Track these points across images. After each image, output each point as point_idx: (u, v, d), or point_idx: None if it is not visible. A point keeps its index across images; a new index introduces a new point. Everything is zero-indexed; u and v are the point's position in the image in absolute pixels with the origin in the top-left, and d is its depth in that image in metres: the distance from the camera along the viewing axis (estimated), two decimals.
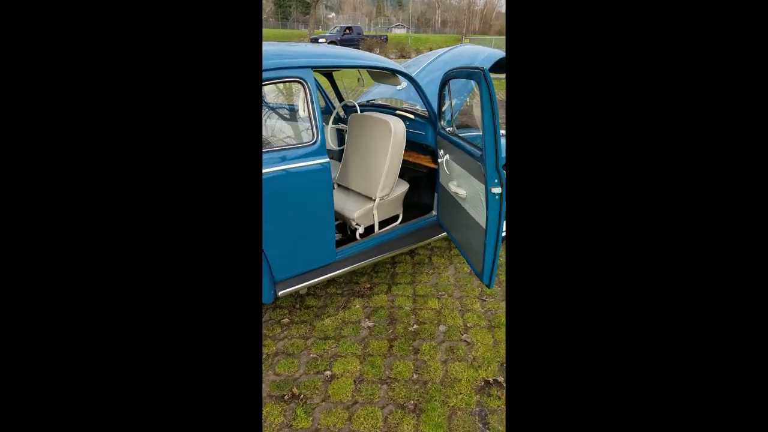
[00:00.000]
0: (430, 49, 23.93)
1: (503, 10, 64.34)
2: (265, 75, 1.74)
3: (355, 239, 2.35)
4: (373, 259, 2.30)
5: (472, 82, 2.53)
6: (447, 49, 3.34)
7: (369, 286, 2.47)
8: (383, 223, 2.50)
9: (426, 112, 2.59)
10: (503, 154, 2.14)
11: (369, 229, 2.45)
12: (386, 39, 25.15)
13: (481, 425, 1.56)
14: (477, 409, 1.63)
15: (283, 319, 2.17)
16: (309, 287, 2.10)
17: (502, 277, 2.52)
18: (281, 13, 46.60)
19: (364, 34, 25.81)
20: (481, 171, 1.81)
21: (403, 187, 2.58)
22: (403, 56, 20.06)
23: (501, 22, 59.13)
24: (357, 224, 2.37)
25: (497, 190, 1.73)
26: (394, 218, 2.59)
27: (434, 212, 2.68)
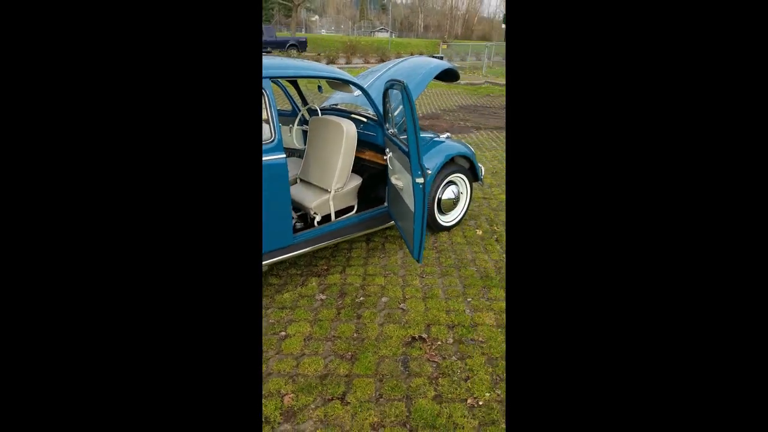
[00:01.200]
0: (411, 53, 24.27)
1: (485, 14, 65.46)
2: None
3: (313, 226, 2.71)
4: (328, 242, 2.66)
5: (414, 91, 2.92)
6: (401, 59, 3.72)
7: (326, 267, 2.84)
8: (339, 213, 2.87)
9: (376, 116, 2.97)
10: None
11: (327, 218, 2.81)
12: (304, 43, 21.16)
13: (402, 368, 1.93)
14: (401, 357, 2.01)
15: None
16: (270, 265, 2.45)
17: (442, 257, 2.91)
18: (264, 15, 46.65)
19: (277, 36, 21.24)
20: (409, 166, 2.20)
21: (357, 181, 2.95)
22: (382, 60, 20.51)
23: (483, 27, 60.19)
24: (315, 213, 2.73)
25: (420, 180, 2.11)
26: (350, 208, 2.96)
27: (386, 204, 3.05)
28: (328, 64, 17.61)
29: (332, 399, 1.76)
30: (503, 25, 23.96)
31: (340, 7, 77.71)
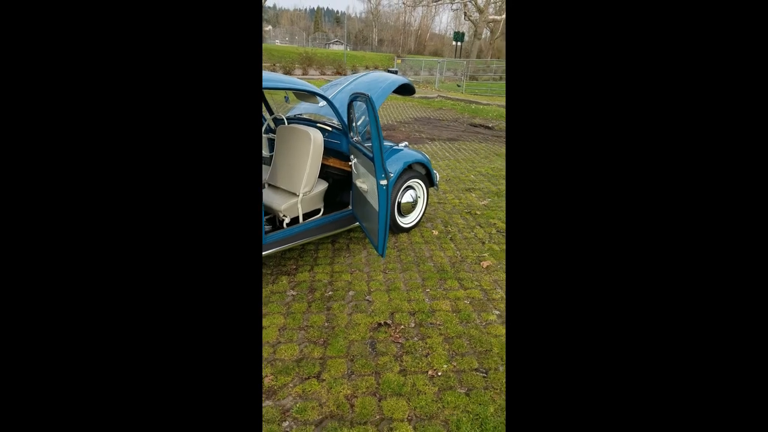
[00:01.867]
0: (366, 67, 24.69)
1: (436, 31, 67.81)
2: None
3: (282, 228, 2.89)
4: (297, 243, 2.85)
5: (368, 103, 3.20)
6: (362, 74, 4.00)
7: (294, 266, 3.02)
8: (306, 216, 3.07)
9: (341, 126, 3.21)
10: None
11: (295, 220, 3.00)
12: None
13: (370, 349, 2.16)
14: (369, 340, 2.23)
15: None
16: None
17: (402, 255, 3.18)
18: None
19: None
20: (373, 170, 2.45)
21: (323, 185, 3.17)
22: (338, 72, 20.83)
23: (434, 43, 62.30)
24: (284, 215, 2.91)
25: (383, 182, 2.37)
26: (316, 211, 3.16)
27: (350, 207, 3.29)
28: (284, 74, 17.65)
29: (308, 378, 1.95)
30: (454, 42, 25.10)
31: (294, 18, 77.62)
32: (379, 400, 1.83)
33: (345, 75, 20.27)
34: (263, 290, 2.68)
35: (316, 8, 79.51)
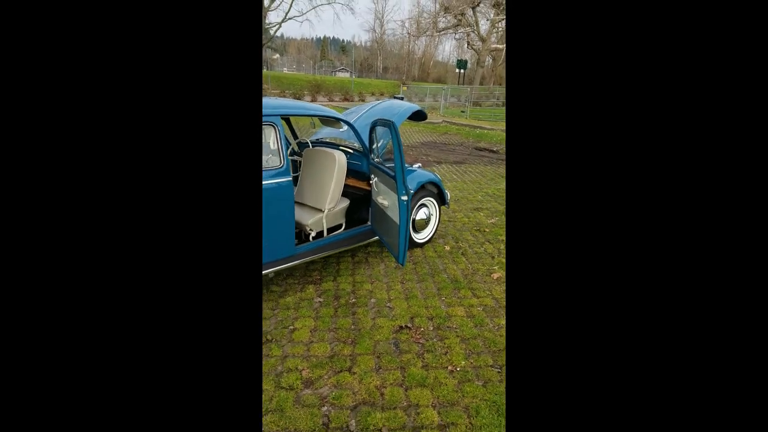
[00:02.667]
0: (372, 94, 25.37)
1: (440, 59, 69.62)
2: None
3: (309, 241, 3.15)
4: (322, 254, 3.11)
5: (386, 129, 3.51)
6: (377, 102, 4.34)
7: (319, 277, 3.26)
8: (330, 230, 3.33)
9: (362, 148, 3.52)
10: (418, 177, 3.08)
11: (320, 234, 3.26)
12: None
13: (394, 347, 2.38)
14: (393, 340, 2.46)
15: None
16: (275, 272, 2.85)
17: (418, 268, 3.42)
18: None
19: None
20: (396, 187, 2.73)
21: (345, 202, 3.44)
22: (346, 99, 21.52)
23: (438, 70, 63.90)
24: (310, 229, 3.18)
25: (404, 198, 2.64)
26: (339, 226, 3.43)
27: (369, 222, 3.55)
28: (302, 102, 18.27)
29: (341, 371, 2.17)
30: (457, 70, 25.89)
31: (301, 47, 79.92)
32: (406, 390, 2.05)
33: (352, 101, 20.94)
34: (293, 297, 2.92)
35: (322, 37, 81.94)
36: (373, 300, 2.93)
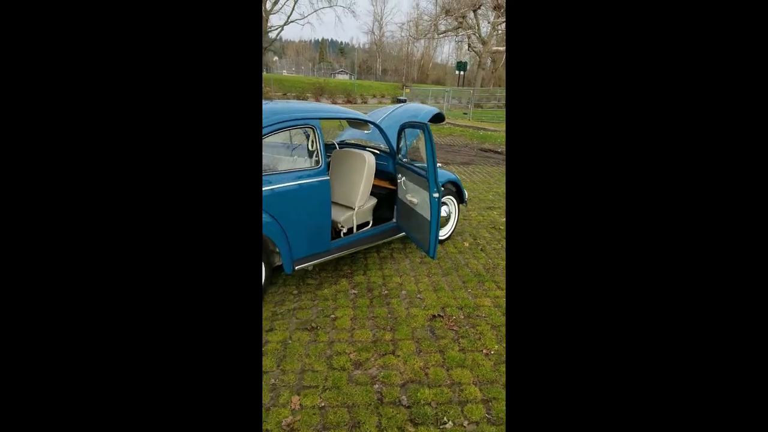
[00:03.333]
0: (374, 96, 25.51)
1: (438, 60, 69.92)
2: (294, 122, 2.78)
3: (340, 237, 3.34)
4: (354, 249, 3.29)
5: (417, 130, 3.71)
6: (398, 105, 4.53)
7: (350, 271, 3.45)
8: (359, 227, 3.52)
9: (387, 149, 3.71)
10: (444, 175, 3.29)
11: (350, 231, 3.45)
12: None
13: (431, 334, 2.57)
14: (428, 327, 2.65)
15: (293, 291, 3.08)
16: (313, 265, 3.04)
17: (441, 263, 3.61)
18: None
19: None
20: (427, 185, 2.92)
21: (373, 201, 3.63)
22: (349, 101, 21.72)
23: (437, 72, 64.17)
24: (341, 226, 3.37)
25: (435, 195, 2.84)
26: (366, 224, 3.62)
27: (394, 219, 3.74)
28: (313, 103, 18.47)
29: (385, 354, 2.36)
30: (457, 72, 26.14)
31: (300, 49, 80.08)
32: (447, 370, 2.24)
33: (355, 103, 21.14)
34: (329, 289, 3.11)
35: (320, 39, 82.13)
36: (404, 292, 3.12)
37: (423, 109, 4.22)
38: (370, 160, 3.43)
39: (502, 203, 5.66)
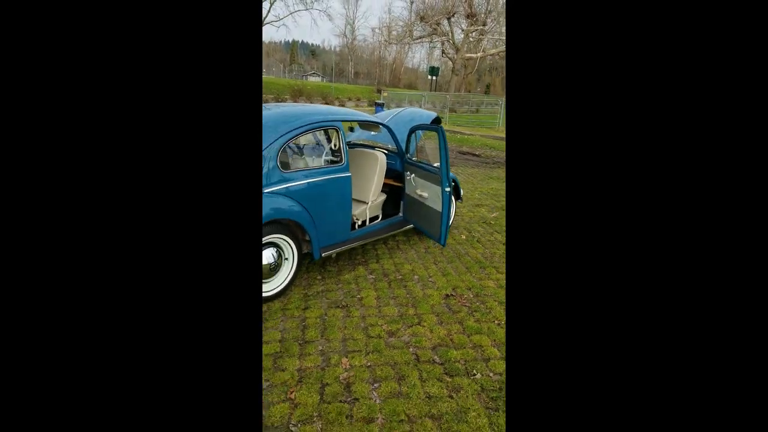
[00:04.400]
0: (349, 99, 25.68)
1: (410, 65, 70.91)
2: (323, 123, 3.11)
3: (355, 229, 3.67)
4: (368, 240, 3.64)
5: (420, 132, 4.09)
6: (401, 109, 4.91)
7: (364, 260, 3.78)
8: (371, 220, 3.86)
9: (394, 149, 4.07)
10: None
11: (363, 224, 3.79)
12: None
13: (447, 309, 2.95)
14: (444, 303, 3.03)
15: (317, 276, 3.39)
16: (336, 253, 3.36)
17: (445, 252, 4.00)
18: None
19: None
20: (438, 180, 3.30)
21: (383, 196, 3.99)
22: (326, 103, 21.93)
23: (408, 76, 65.11)
24: (356, 218, 3.70)
25: (447, 189, 3.22)
26: (376, 217, 3.97)
27: (400, 213, 4.11)
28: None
29: (412, 325, 2.72)
30: (429, 77, 26.84)
31: (270, 50, 79.16)
32: (468, 336, 2.62)
33: (332, 105, 21.39)
34: (348, 275, 3.44)
35: (291, 41, 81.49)
36: (416, 276, 3.48)
37: (423, 113, 4.62)
38: (382, 158, 3.78)
39: (489, 201, 6.13)
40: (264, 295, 2.90)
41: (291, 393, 2.05)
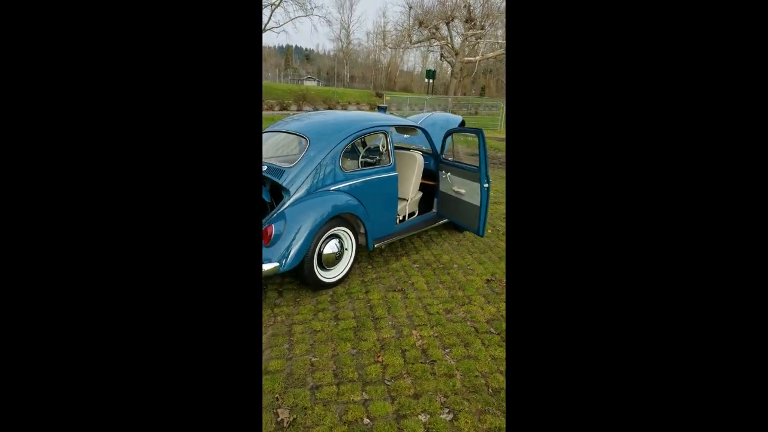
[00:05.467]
0: (349, 102, 25.99)
1: (405, 68, 71.49)
2: (375, 128, 3.49)
3: (398, 224, 4.05)
4: (409, 234, 4.02)
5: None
6: (429, 114, 5.30)
7: (404, 252, 4.16)
8: (409, 215, 4.24)
9: (429, 150, 4.46)
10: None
11: (403, 218, 4.17)
12: None
13: (490, 290, 3.34)
14: (487, 287, 3.41)
15: (368, 267, 3.76)
16: (385, 244, 3.73)
17: (471, 248, 4.39)
18: None
19: None
20: (476, 178, 3.69)
21: (420, 194, 4.37)
22: (329, 107, 22.35)
23: (404, 80, 65.71)
24: (398, 214, 4.08)
25: (486, 185, 3.61)
26: (413, 213, 4.35)
27: (434, 210, 4.49)
28: (281, 110, 18.94)
29: (464, 304, 3.09)
30: (426, 80, 27.33)
31: (265, 55, 79.40)
32: None
33: (336, 110, 21.80)
34: (396, 263, 3.81)
35: (285, 46, 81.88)
36: (456, 265, 3.86)
37: (451, 117, 5.02)
38: (420, 159, 4.17)
39: (504, 199, 6.52)
40: (330, 280, 3.26)
41: (378, 357, 2.42)
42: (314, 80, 62.74)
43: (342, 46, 66.13)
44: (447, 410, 2.02)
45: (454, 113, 23.46)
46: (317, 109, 21.39)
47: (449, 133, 4.13)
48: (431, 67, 37.54)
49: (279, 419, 1.93)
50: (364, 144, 4.15)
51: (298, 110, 20.18)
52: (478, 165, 3.65)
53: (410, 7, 24.93)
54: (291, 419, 1.93)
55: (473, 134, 3.69)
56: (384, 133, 3.65)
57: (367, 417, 1.96)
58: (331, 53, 78.03)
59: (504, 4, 23.98)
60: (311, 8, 26.61)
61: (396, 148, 4.78)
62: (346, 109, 22.40)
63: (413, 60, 74.57)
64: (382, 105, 19.42)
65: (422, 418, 1.97)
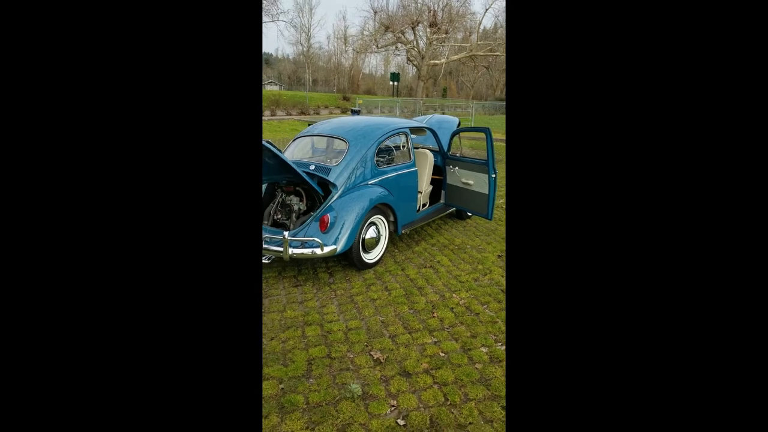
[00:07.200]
0: (318, 107, 26.23)
1: (366, 71, 72.18)
2: (400, 130, 4.07)
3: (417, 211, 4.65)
4: (425, 221, 4.63)
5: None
6: (428, 117, 5.91)
7: (420, 237, 4.76)
8: (423, 206, 4.85)
9: (435, 148, 5.09)
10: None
11: (418, 209, 4.76)
12: None
13: (501, 261, 3.98)
14: (498, 259, 4.06)
15: (394, 250, 4.33)
16: (409, 229, 4.32)
17: (476, 232, 5.05)
18: None
19: None
20: (484, 170, 4.33)
21: (430, 187, 4.98)
22: (302, 112, 22.63)
23: (366, 83, 66.40)
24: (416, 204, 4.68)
25: (493, 175, 4.27)
26: (425, 204, 4.95)
27: (441, 200, 5.11)
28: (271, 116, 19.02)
29: (486, 274, 3.72)
30: (391, 82, 28.11)
31: None
32: None
33: (308, 114, 22.08)
34: (418, 246, 4.40)
35: None
36: (468, 246, 4.50)
37: (451, 119, 5.67)
38: (431, 156, 4.79)
39: (500, 192, 7.25)
40: (371, 261, 3.81)
41: (434, 313, 3.00)
42: (276, 84, 62.23)
43: (303, 50, 66.04)
44: (500, 344, 2.63)
45: (425, 114, 24.44)
46: (290, 114, 21.62)
47: (456, 132, 4.76)
48: (394, 70, 38.41)
49: (375, 357, 2.47)
50: (391, 144, 4.72)
51: (272, 116, 20.35)
52: (485, 159, 4.30)
53: (375, 12, 25.60)
54: (384, 357, 2.48)
55: (481, 132, 4.34)
56: (405, 134, 4.24)
57: (442, 351, 2.54)
58: (291, 57, 77.48)
59: (462, 8, 25.14)
60: (277, 13, 26.75)
61: None
62: (318, 113, 22.78)
63: (375, 63, 75.30)
64: (355, 108, 19.95)
65: (483, 350, 2.57)
